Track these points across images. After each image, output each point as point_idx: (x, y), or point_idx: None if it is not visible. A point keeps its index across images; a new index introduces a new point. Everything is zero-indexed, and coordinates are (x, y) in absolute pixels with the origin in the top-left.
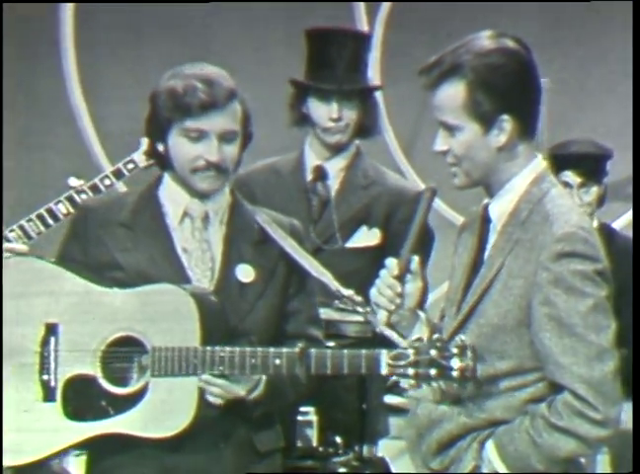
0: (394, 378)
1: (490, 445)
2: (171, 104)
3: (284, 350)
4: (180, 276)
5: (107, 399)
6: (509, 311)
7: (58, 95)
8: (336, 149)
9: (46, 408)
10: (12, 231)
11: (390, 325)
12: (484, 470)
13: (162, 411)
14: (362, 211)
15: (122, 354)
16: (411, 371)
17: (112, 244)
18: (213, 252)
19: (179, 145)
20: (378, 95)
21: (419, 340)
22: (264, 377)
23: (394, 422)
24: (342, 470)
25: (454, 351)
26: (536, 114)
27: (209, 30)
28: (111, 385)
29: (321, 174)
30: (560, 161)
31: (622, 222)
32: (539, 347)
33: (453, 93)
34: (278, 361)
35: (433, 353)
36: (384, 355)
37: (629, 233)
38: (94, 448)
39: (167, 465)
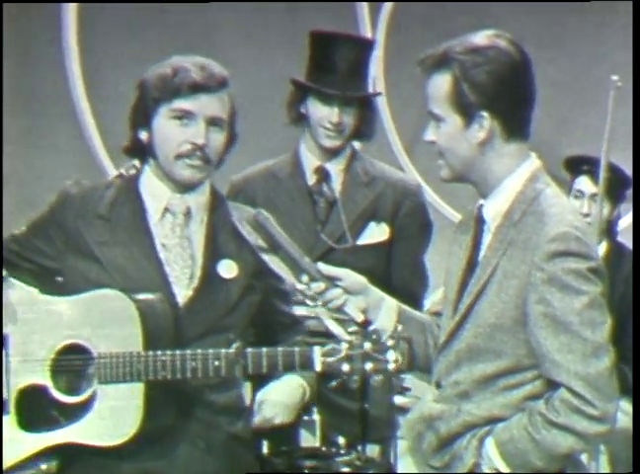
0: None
1: (489, 443)
2: (160, 84)
3: (223, 351)
4: (158, 273)
5: (58, 409)
6: (504, 311)
7: (60, 93)
8: (332, 152)
9: (2, 420)
10: None
11: (339, 320)
12: (484, 468)
13: (111, 418)
14: (369, 208)
15: (71, 361)
16: (346, 367)
17: (88, 235)
18: (194, 248)
19: (165, 128)
20: (380, 97)
21: (354, 332)
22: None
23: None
24: (345, 470)
25: (389, 343)
26: (525, 116)
27: (212, 29)
28: (61, 394)
29: (324, 174)
30: (578, 165)
31: (625, 222)
32: (535, 345)
33: (440, 84)
34: (217, 363)
35: (367, 346)
36: (317, 352)
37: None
38: (60, 458)
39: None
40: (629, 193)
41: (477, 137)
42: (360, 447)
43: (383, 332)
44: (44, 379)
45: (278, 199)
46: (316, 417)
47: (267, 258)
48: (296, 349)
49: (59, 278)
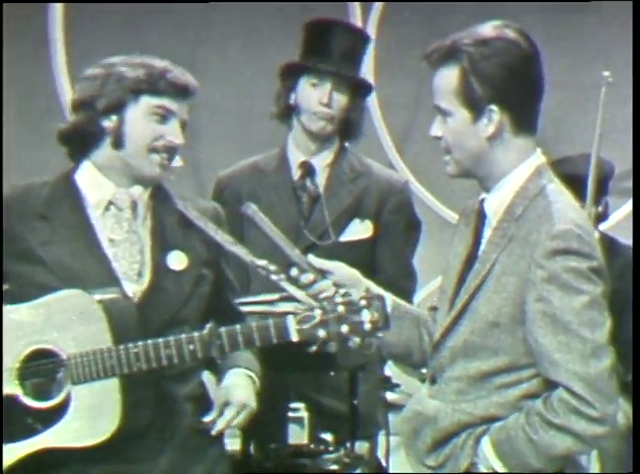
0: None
1: (486, 442)
2: (146, 78)
3: (196, 334)
4: (105, 269)
5: (32, 416)
6: (502, 308)
7: (50, 91)
8: (320, 140)
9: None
10: None
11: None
12: (480, 467)
13: (89, 418)
14: (353, 205)
15: (38, 367)
16: (322, 333)
17: (30, 237)
18: (143, 243)
19: (142, 120)
20: (370, 94)
21: (325, 298)
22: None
23: (392, 418)
24: (333, 467)
25: (362, 303)
26: (534, 109)
27: (203, 27)
28: (33, 401)
29: (308, 170)
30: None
31: (619, 215)
32: (533, 344)
33: (448, 77)
34: (191, 347)
35: (340, 309)
36: (291, 321)
37: (627, 237)
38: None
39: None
40: (611, 184)
41: (486, 132)
42: (348, 444)
43: (355, 293)
44: (13, 389)
45: (262, 194)
46: (304, 414)
47: (220, 238)
48: (270, 321)
49: (6, 286)
